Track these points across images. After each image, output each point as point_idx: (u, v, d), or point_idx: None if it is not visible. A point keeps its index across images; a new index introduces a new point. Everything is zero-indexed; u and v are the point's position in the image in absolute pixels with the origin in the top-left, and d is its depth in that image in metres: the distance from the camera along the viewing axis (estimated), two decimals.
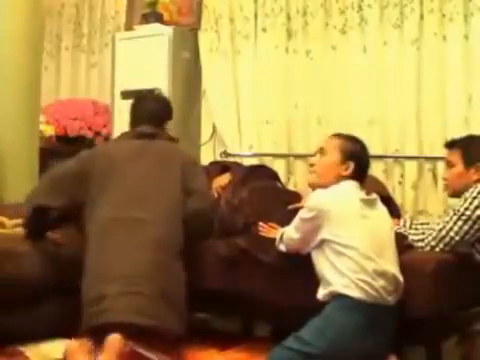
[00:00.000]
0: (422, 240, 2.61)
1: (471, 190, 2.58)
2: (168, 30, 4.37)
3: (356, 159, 2.53)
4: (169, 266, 2.58)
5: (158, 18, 4.49)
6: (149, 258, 2.54)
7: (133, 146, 2.88)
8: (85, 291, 2.53)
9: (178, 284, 2.58)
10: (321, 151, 2.60)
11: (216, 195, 3.11)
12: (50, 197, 2.72)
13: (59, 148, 4.55)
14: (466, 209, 2.54)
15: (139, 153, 2.83)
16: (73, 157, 2.93)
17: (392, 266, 2.39)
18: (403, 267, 2.42)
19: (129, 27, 4.81)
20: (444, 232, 2.55)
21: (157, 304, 2.46)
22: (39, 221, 2.72)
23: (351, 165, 2.51)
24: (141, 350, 2.38)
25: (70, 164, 2.88)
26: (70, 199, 2.74)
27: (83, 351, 2.36)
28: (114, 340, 2.34)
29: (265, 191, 3.04)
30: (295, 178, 4.08)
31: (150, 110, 3.01)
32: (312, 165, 2.63)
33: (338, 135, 2.64)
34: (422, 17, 3.69)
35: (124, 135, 3.05)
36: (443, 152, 2.91)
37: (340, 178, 2.51)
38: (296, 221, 2.51)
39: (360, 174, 2.54)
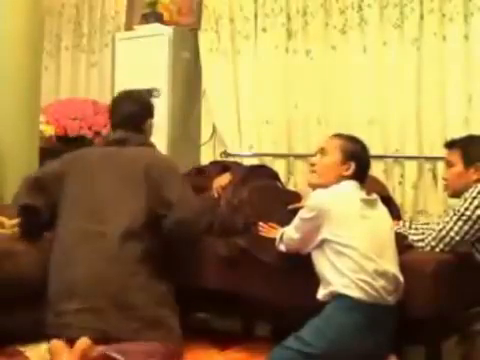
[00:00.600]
0: (422, 240, 2.61)
1: (471, 190, 2.58)
2: (168, 30, 4.37)
3: (357, 159, 2.53)
4: (126, 279, 2.51)
5: (158, 18, 4.49)
6: (105, 272, 2.50)
7: (105, 154, 2.81)
8: (49, 297, 2.57)
9: (138, 295, 2.51)
10: (322, 151, 2.60)
11: (216, 195, 3.11)
12: (33, 197, 2.72)
13: (59, 148, 4.53)
14: (466, 209, 2.54)
15: (108, 162, 2.76)
16: (57, 158, 2.90)
17: (392, 266, 2.39)
18: (403, 267, 2.43)
19: (129, 27, 4.81)
20: (444, 232, 2.55)
21: (113, 317, 2.46)
22: (30, 221, 2.72)
23: (352, 165, 2.51)
24: (114, 354, 2.39)
25: (53, 165, 2.85)
26: (49, 199, 2.72)
27: (67, 349, 2.41)
28: (81, 344, 2.40)
29: (265, 191, 3.04)
30: (295, 178, 4.08)
31: (125, 113, 2.88)
32: (313, 165, 2.63)
33: (339, 135, 2.64)
34: (422, 17, 3.69)
35: (101, 141, 2.99)
36: (443, 152, 2.91)
37: (341, 178, 2.51)
38: (296, 221, 2.51)
39: (361, 174, 2.54)
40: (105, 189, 2.66)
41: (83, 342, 2.40)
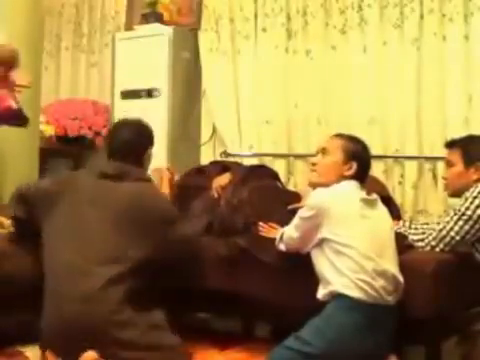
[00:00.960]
0: (422, 240, 2.61)
1: (471, 190, 2.58)
2: (168, 30, 4.37)
3: (358, 159, 2.53)
4: (114, 317, 2.41)
5: (158, 18, 4.49)
6: (92, 313, 2.40)
7: (101, 188, 2.62)
8: (41, 324, 2.49)
9: (129, 331, 2.42)
10: (323, 151, 2.60)
11: (216, 195, 3.12)
12: (20, 210, 2.69)
13: (59, 148, 4.56)
14: (467, 209, 2.54)
15: (104, 198, 2.58)
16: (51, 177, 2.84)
17: (392, 266, 2.39)
18: (403, 267, 2.42)
19: (129, 27, 4.81)
20: (445, 232, 2.55)
21: (109, 349, 2.39)
22: (22, 229, 2.71)
23: (354, 165, 2.52)
24: None
25: (46, 182, 2.78)
26: (35, 216, 2.64)
27: None
28: (87, 357, 2.37)
29: (265, 191, 3.04)
30: (295, 178, 4.08)
31: (123, 142, 2.72)
32: (314, 164, 2.63)
33: (340, 135, 2.64)
34: (422, 17, 3.68)
35: (94, 169, 2.74)
36: (443, 152, 2.91)
37: (342, 178, 2.51)
38: (296, 220, 2.51)
39: (362, 174, 2.55)
40: (97, 226, 2.53)
41: (90, 355, 2.38)
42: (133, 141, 2.73)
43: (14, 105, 2.10)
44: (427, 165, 3.67)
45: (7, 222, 2.83)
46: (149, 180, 2.76)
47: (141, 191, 2.64)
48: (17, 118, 2.18)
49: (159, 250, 2.55)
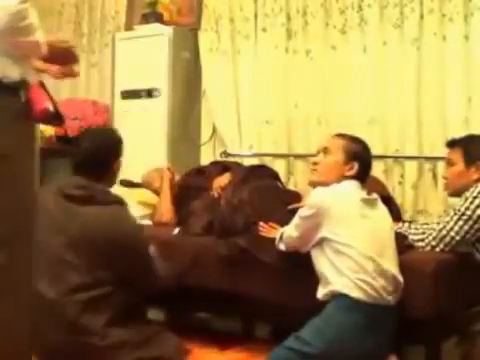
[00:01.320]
0: (422, 240, 2.62)
1: (472, 189, 2.58)
2: (168, 30, 4.37)
3: (360, 160, 2.54)
4: (101, 347, 2.37)
5: (158, 18, 4.49)
6: (77, 344, 2.38)
7: (64, 213, 2.48)
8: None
9: (122, 352, 2.40)
10: (325, 150, 2.60)
11: (216, 195, 3.12)
12: None
13: (59, 148, 4.55)
14: (467, 209, 2.54)
15: (67, 223, 2.45)
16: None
17: (392, 266, 2.39)
18: (403, 267, 2.43)
19: (129, 27, 4.81)
20: (445, 232, 2.55)
21: None
22: None
23: (355, 166, 2.52)
24: None
25: None
26: None
27: None
28: None
29: (265, 191, 3.04)
30: (295, 178, 4.08)
31: (87, 156, 2.56)
32: (315, 164, 2.63)
33: (342, 135, 2.65)
34: (422, 17, 3.68)
35: (60, 188, 2.55)
36: (443, 152, 2.91)
37: (342, 178, 2.51)
38: (296, 219, 2.51)
39: (363, 174, 2.55)
40: (62, 253, 2.44)
41: None
42: (97, 155, 2.56)
43: (50, 107, 2.10)
44: (427, 165, 3.67)
45: None
46: (116, 202, 2.57)
47: (109, 216, 2.50)
48: (53, 119, 2.19)
49: (126, 275, 2.48)
